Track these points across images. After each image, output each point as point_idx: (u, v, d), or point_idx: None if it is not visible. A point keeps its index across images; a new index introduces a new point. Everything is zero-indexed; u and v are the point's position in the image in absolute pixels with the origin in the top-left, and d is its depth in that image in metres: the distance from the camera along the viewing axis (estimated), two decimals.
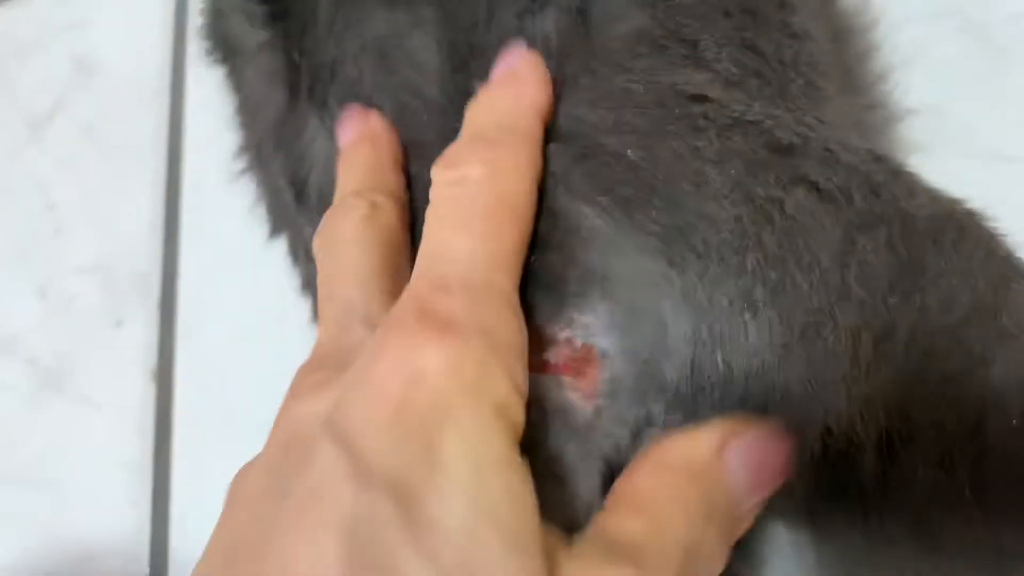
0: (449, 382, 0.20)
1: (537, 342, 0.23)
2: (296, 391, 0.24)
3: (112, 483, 0.40)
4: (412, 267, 0.24)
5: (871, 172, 0.24)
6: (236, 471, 0.23)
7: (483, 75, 0.26)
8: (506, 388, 0.21)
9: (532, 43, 0.26)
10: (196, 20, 0.36)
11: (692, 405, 0.22)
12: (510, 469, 0.20)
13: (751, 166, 0.23)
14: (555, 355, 0.24)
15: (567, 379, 0.23)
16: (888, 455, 0.22)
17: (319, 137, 0.30)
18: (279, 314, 0.34)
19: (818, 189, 0.23)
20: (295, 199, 0.31)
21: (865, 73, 0.31)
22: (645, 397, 0.23)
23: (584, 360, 0.23)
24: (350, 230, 0.27)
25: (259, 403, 0.24)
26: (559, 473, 0.23)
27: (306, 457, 0.21)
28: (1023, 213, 0.24)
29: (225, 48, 0.34)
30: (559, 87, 0.25)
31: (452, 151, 0.25)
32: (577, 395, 0.23)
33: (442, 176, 0.24)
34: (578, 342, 0.23)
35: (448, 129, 0.26)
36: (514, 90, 0.25)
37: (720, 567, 0.21)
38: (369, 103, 0.29)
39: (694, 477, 0.21)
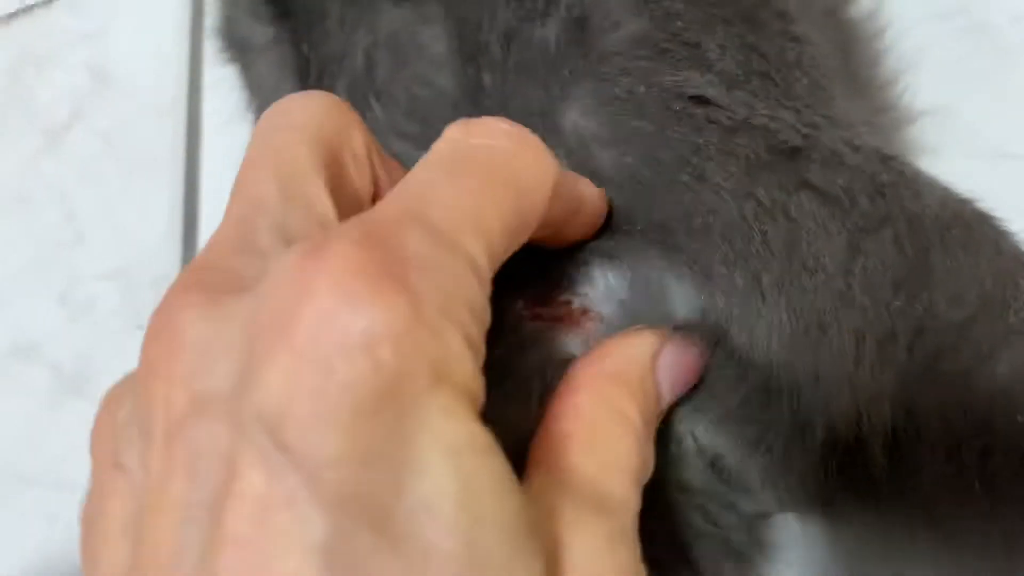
0: (406, 354, 0.16)
1: (537, 302, 0.24)
2: (172, 308, 0.18)
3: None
4: (354, 206, 0.20)
5: (876, 173, 0.24)
6: None
7: (492, 68, 0.26)
8: (467, 362, 0.17)
9: (533, 48, 0.26)
10: (212, 28, 0.37)
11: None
12: (488, 454, 0.17)
13: (754, 168, 0.24)
14: (553, 311, 0.24)
15: (564, 327, 0.24)
16: (896, 450, 0.22)
17: None
18: None
19: (822, 194, 0.23)
20: None
21: (874, 77, 0.31)
22: None
23: (582, 314, 0.24)
24: (297, 115, 0.21)
25: None
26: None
27: (232, 448, 0.16)
28: None
29: (236, 47, 0.35)
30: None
31: (480, 120, 0.21)
32: (574, 338, 0.24)
33: (455, 130, 0.20)
34: (577, 306, 0.24)
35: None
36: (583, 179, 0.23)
37: (650, 470, 0.21)
38: (382, 94, 0.28)
39: (633, 392, 0.21)
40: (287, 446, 0.15)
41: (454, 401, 0.16)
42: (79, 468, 0.42)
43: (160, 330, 0.18)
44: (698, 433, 0.24)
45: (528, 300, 0.24)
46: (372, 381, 0.15)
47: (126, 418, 0.19)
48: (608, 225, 0.24)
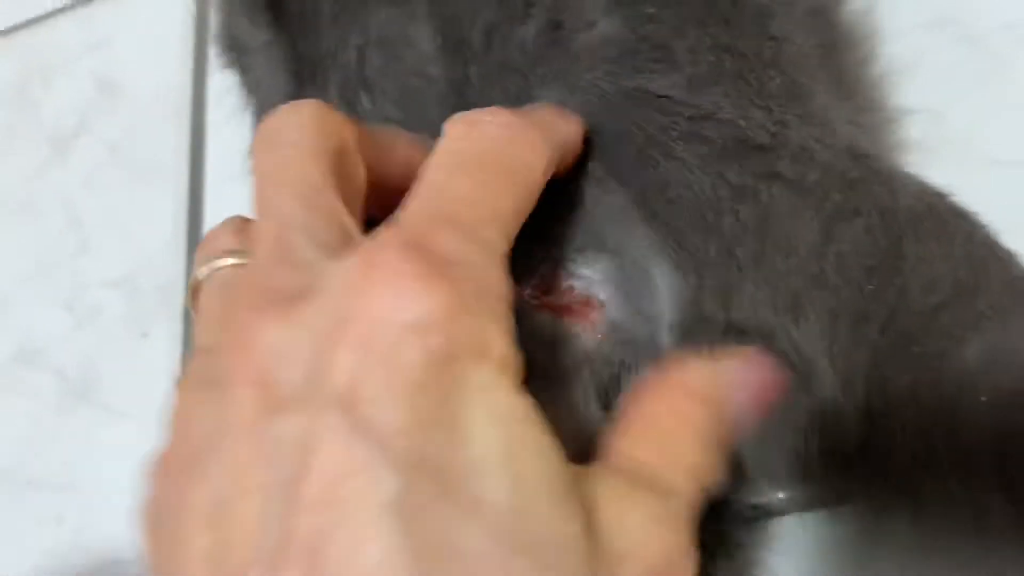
0: (454, 337, 0.19)
1: (542, 289, 0.25)
2: (244, 322, 0.20)
3: (137, 489, 0.41)
4: (356, 193, 0.23)
5: (847, 169, 0.25)
6: None
7: (477, 62, 0.27)
8: (505, 340, 0.20)
9: (512, 46, 0.27)
10: (215, 36, 0.37)
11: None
12: (531, 423, 0.19)
13: (723, 154, 0.24)
14: (559, 299, 0.25)
15: (571, 319, 0.25)
16: (868, 426, 0.23)
17: None
18: None
19: (793, 184, 0.24)
20: None
21: (862, 77, 0.31)
22: (639, 338, 0.24)
23: (586, 304, 0.25)
24: (294, 132, 0.23)
25: None
26: (568, 396, 0.24)
27: (309, 431, 0.18)
28: (1021, 217, 0.25)
29: (234, 49, 0.35)
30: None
31: (476, 112, 0.23)
32: (581, 328, 0.25)
33: (456, 128, 0.23)
34: (578, 291, 0.25)
35: (450, 112, 0.27)
36: (562, 114, 0.25)
37: (714, 476, 0.22)
38: (373, 87, 0.29)
39: (703, 402, 0.22)
40: (361, 420, 0.18)
41: (496, 375, 0.19)
42: (84, 472, 0.42)
43: (237, 342, 0.20)
44: None
45: (535, 287, 0.25)
46: (427, 361, 0.18)
47: (201, 419, 0.21)
48: (596, 200, 0.25)
